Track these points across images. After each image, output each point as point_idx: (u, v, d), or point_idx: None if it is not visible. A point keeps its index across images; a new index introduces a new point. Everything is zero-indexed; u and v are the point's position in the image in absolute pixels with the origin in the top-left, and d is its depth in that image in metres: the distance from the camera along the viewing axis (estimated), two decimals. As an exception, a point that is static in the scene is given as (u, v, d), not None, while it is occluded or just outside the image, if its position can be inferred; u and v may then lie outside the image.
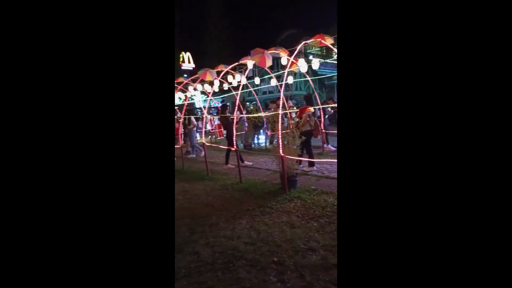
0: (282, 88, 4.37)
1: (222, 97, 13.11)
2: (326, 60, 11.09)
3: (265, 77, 8.32)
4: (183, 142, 6.72)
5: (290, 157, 3.69)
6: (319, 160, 4.73)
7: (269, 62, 4.24)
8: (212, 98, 6.23)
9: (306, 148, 4.52)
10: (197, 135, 7.79)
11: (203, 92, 6.86)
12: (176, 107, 7.42)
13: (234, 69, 5.37)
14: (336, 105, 5.52)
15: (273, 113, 4.37)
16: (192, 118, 6.82)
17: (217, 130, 8.78)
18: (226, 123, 5.49)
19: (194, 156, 7.04)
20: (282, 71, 4.45)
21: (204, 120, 6.25)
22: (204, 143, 5.46)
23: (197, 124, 7.58)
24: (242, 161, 5.31)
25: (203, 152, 6.95)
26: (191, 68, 23.41)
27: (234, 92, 6.85)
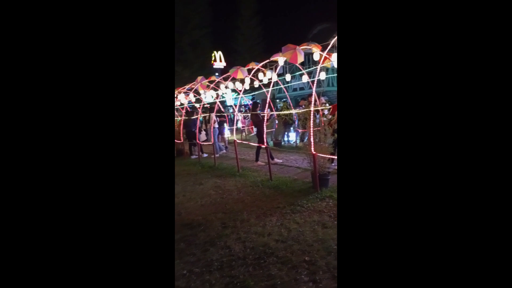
0: (314, 84, 4.27)
1: (252, 95, 13.20)
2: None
3: (296, 73, 8.19)
4: (205, 139, 6.86)
5: (322, 155, 3.60)
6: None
7: (300, 58, 4.16)
8: (243, 96, 6.29)
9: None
10: (224, 132, 7.94)
11: (234, 90, 6.98)
12: (207, 105, 7.63)
13: (265, 66, 5.37)
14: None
15: (304, 110, 4.29)
16: (213, 115, 6.95)
17: (248, 127, 8.88)
18: (256, 120, 5.52)
19: (224, 152, 7.19)
20: (314, 67, 4.32)
21: (235, 117, 6.34)
22: (235, 140, 5.56)
23: (223, 121, 7.67)
24: (272, 159, 5.31)
25: (222, 151, 7.08)
26: (222, 67, 23.90)
27: (264, 90, 6.85)
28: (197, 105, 8.06)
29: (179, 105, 8.94)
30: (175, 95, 8.02)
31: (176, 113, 9.58)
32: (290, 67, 13.95)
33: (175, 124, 8.25)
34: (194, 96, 7.77)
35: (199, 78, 6.75)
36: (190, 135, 6.84)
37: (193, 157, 6.57)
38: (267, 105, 5.06)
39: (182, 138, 7.40)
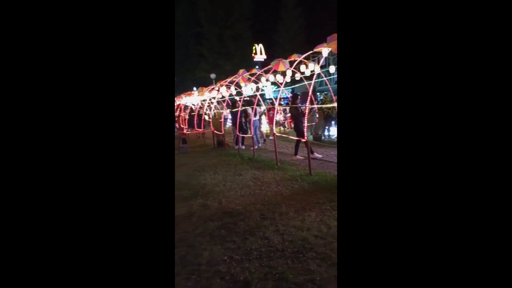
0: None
1: (291, 88, 12.99)
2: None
3: (340, 65, 7.78)
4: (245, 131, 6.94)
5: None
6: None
7: (347, 49, 3.93)
8: (283, 88, 6.22)
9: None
10: (261, 125, 7.95)
11: (274, 83, 6.93)
12: (248, 98, 7.73)
13: (307, 58, 5.22)
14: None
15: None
16: (249, 109, 6.97)
17: (288, 121, 8.81)
18: (295, 113, 5.43)
19: (260, 145, 7.24)
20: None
21: (275, 110, 6.32)
22: (274, 133, 5.56)
23: (257, 115, 7.65)
24: (312, 153, 5.19)
25: (259, 145, 7.08)
26: (263, 60, 23.88)
27: (306, 82, 6.67)
28: (237, 98, 8.23)
29: (221, 98, 9.22)
30: (217, 88, 8.27)
31: (218, 106, 9.93)
32: (334, 58, 13.33)
33: (216, 116, 8.56)
34: (235, 89, 7.93)
35: (241, 71, 6.84)
36: (240, 127, 6.98)
37: (240, 147, 6.73)
38: (308, 98, 4.93)
39: (223, 130, 7.64)
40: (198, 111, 10.32)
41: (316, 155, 5.36)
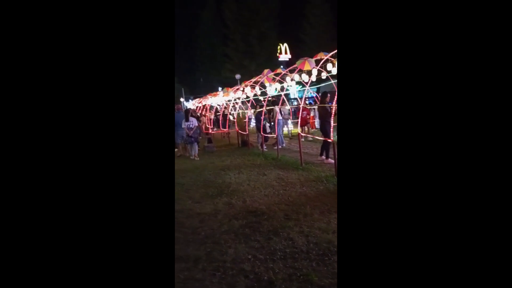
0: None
1: (316, 87, 12.74)
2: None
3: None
4: (269, 132, 6.94)
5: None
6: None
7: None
8: (309, 88, 6.13)
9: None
10: (285, 125, 7.87)
11: (299, 83, 6.85)
12: (273, 98, 7.72)
13: (334, 56, 5.09)
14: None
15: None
16: (276, 108, 6.93)
17: (310, 121, 8.68)
18: (323, 113, 5.31)
19: (284, 145, 7.18)
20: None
21: (300, 110, 6.25)
22: (299, 133, 5.50)
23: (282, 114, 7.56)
24: (327, 158, 5.04)
25: (283, 144, 6.99)
26: (288, 59, 23.69)
27: (332, 81, 6.51)
28: (261, 98, 8.26)
29: (245, 98, 9.31)
30: (242, 88, 8.36)
31: (242, 106, 10.04)
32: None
33: (241, 116, 8.66)
34: (260, 89, 7.97)
35: (265, 71, 6.85)
36: (263, 128, 6.99)
37: (263, 147, 6.75)
38: (335, 97, 4.81)
39: (247, 130, 7.71)
40: (223, 111, 10.52)
41: (330, 160, 5.04)
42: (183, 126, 6.70)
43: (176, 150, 6.99)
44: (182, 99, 28.08)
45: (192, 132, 6.57)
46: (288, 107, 8.89)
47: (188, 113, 7.10)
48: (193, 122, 6.68)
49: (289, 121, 9.00)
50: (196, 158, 6.51)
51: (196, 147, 6.68)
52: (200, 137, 7.54)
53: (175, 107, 7.31)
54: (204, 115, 11.92)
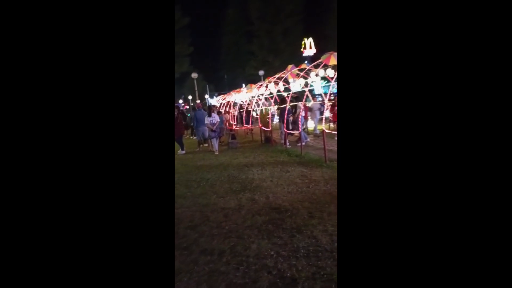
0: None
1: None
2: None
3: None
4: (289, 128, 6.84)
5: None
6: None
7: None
8: (334, 83, 5.95)
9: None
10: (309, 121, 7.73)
11: (324, 78, 6.67)
12: (295, 94, 7.60)
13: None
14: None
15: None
16: (300, 104, 6.80)
17: (331, 117, 8.45)
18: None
19: (308, 140, 7.06)
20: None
21: (325, 107, 6.10)
22: (324, 130, 5.38)
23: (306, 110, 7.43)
24: None
25: (307, 140, 6.87)
26: (312, 54, 23.17)
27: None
28: (285, 94, 8.17)
29: (268, 95, 9.28)
30: (265, 84, 8.33)
31: (265, 102, 10.02)
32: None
33: (264, 112, 8.65)
34: (283, 85, 7.88)
35: (289, 66, 6.76)
36: (287, 124, 6.97)
37: (286, 144, 6.73)
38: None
39: (270, 126, 7.69)
40: (246, 108, 10.58)
41: None
42: (205, 122, 7.04)
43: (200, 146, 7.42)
44: (206, 96, 28.66)
45: (214, 127, 6.88)
46: (317, 103, 8.71)
47: (210, 109, 7.47)
48: (215, 118, 7.01)
49: (316, 118, 8.83)
50: (216, 153, 6.76)
51: (216, 142, 6.95)
52: (222, 134, 7.80)
53: (196, 105, 7.78)
54: (228, 112, 12.09)
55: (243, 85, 16.09)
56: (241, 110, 11.20)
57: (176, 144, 7.02)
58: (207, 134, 7.28)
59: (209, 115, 7.05)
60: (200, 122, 7.27)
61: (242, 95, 11.39)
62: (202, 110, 7.77)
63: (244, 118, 10.20)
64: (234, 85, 23.58)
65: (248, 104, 10.91)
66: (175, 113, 7.39)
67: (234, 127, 9.46)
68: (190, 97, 27.42)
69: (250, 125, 9.77)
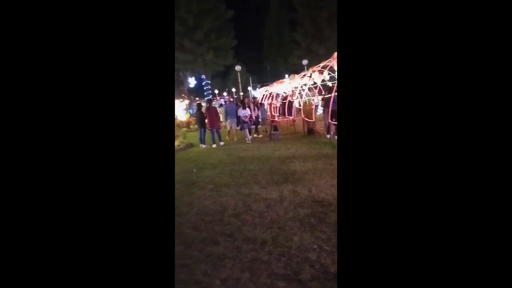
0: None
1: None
2: None
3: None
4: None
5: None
6: None
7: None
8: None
9: None
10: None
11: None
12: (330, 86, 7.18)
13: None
14: None
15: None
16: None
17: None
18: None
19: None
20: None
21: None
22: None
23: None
24: None
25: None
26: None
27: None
28: (330, 84, 7.79)
29: (312, 85, 8.95)
30: (309, 74, 8.05)
31: (309, 92, 9.72)
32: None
33: (307, 103, 8.40)
34: (328, 74, 7.51)
35: (335, 53, 6.40)
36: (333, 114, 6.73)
37: (331, 135, 6.51)
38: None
39: (313, 117, 7.45)
40: (289, 99, 10.41)
41: None
42: (239, 114, 7.92)
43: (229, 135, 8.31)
44: (249, 88, 29.02)
45: (247, 119, 7.77)
46: None
47: (244, 103, 8.38)
48: (248, 111, 7.90)
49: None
50: (248, 141, 7.55)
51: (248, 132, 7.84)
52: (260, 125, 8.42)
53: (227, 99, 8.79)
54: (270, 103, 12.04)
55: (286, 75, 15.83)
56: (283, 101, 11.08)
57: (199, 138, 7.68)
58: (235, 125, 8.25)
59: (243, 108, 7.83)
60: (230, 114, 8.19)
61: (284, 86, 11.21)
62: (233, 104, 8.76)
63: (286, 109, 10.08)
64: (277, 76, 23.38)
65: (291, 95, 10.71)
66: (212, 105, 8.18)
67: (276, 118, 9.42)
68: (234, 90, 28.08)
69: (292, 116, 9.61)
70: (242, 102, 8.74)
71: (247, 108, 7.99)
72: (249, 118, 7.82)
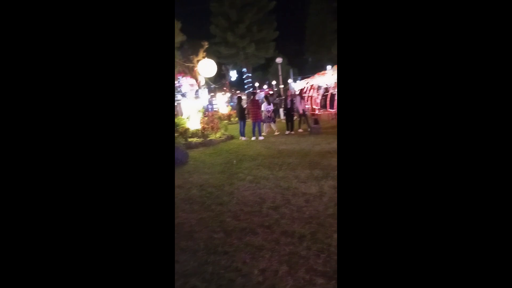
0: None
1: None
2: None
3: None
4: None
5: None
6: None
7: None
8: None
9: None
10: None
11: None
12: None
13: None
14: None
15: None
16: None
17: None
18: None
19: None
20: None
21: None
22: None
23: None
24: None
25: None
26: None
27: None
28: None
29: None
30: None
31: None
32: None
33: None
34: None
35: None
36: None
37: None
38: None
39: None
40: (331, 91, 9.98)
41: None
42: (262, 109, 8.27)
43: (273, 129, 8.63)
44: (290, 80, 28.58)
45: (269, 113, 8.42)
46: None
47: (267, 98, 8.86)
48: (272, 106, 8.68)
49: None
50: (276, 133, 8.07)
51: (272, 125, 8.60)
52: (295, 118, 8.61)
53: (265, 92, 9.34)
54: (310, 96, 11.69)
55: (329, 67, 15.17)
56: (325, 94, 10.67)
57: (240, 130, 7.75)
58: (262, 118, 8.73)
59: (268, 104, 8.40)
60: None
61: (326, 78, 10.77)
62: (261, 98, 9.87)
63: (328, 102, 9.70)
64: (318, 68, 22.55)
65: (333, 87, 10.25)
66: (255, 98, 8.42)
67: (317, 111, 9.14)
68: (274, 82, 27.94)
69: (334, 109, 9.22)
70: (266, 97, 9.28)
71: (271, 104, 8.62)
72: (271, 112, 8.49)
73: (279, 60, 20.47)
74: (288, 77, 29.10)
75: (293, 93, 9.70)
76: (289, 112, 8.14)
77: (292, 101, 8.13)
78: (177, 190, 3.65)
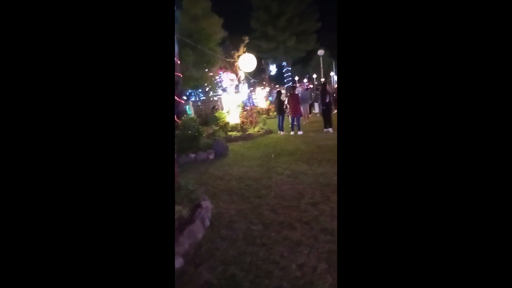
0: None
1: None
2: None
3: None
4: None
5: None
6: None
7: None
8: None
9: None
10: None
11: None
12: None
13: None
14: None
15: None
16: None
17: None
18: None
19: None
20: None
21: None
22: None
23: None
24: None
25: None
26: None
27: None
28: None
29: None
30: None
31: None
32: None
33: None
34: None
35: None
36: None
37: None
38: None
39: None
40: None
41: None
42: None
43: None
44: (332, 73, 27.42)
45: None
46: None
47: (325, 92, 8.77)
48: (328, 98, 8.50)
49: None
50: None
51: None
52: (334, 112, 8.31)
53: (305, 86, 8.90)
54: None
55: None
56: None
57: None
58: (301, 113, 8.50)
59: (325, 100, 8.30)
60: (303, 100, 8.91)
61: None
62: (308, 91, 9.88)
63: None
64: (363, 60, 21.12)
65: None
66: (294, 92, 8.15)
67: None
68: (314, 76, 27.10)
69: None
70: (324, 91, 9.40)
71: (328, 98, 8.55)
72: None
73: (320, 52, 19.76)
74: (330, 70, 27.94)
75: (332, 86, 9.42)
76: (328, 107, 7.42)
77: (329, 94, 7.47)
78: (217, 181, 3.81)
